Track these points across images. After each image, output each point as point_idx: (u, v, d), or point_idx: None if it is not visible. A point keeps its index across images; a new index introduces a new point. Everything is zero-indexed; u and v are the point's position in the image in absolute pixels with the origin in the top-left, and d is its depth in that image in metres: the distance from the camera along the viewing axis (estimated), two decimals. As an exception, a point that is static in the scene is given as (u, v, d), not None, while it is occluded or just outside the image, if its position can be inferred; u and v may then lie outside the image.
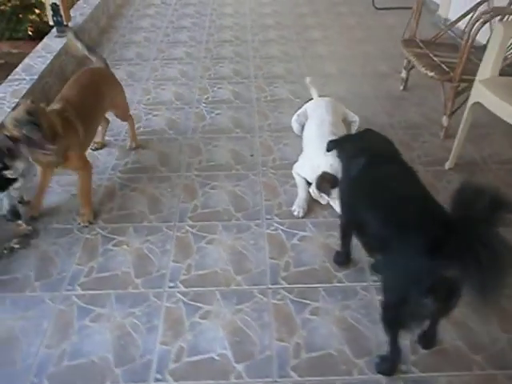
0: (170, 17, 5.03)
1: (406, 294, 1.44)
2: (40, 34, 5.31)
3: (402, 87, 3.61)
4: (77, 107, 2.33)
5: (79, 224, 2.37)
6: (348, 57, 4.15)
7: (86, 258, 2.20)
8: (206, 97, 3.51)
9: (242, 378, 1.72)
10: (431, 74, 2.92)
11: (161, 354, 1.79)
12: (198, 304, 1.98)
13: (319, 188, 2.36)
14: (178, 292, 2.03)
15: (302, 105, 3.04)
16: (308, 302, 1.99)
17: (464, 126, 2.64)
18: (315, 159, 2.46)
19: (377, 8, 5.21)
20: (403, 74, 3.57)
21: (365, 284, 2.07)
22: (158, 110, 3.34)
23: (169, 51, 4.24)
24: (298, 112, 2.92)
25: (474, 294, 1.33)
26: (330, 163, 2.35)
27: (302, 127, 2.84)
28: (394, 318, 1.55)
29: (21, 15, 5.40)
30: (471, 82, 2.69)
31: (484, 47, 3.06)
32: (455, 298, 1.46)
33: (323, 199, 2.43)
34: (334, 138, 2.47)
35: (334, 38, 4.54)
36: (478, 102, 2.51)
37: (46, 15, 5.46)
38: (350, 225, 1.95)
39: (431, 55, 3.11)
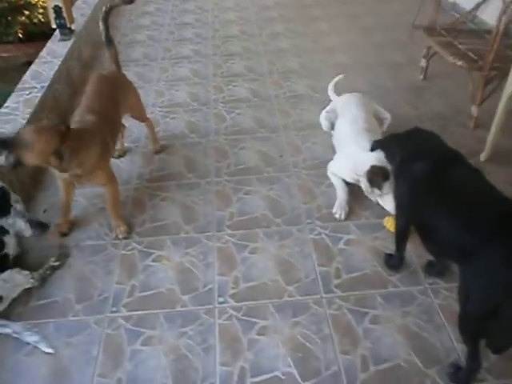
0: (171, 13, 4.87)
1: (495, 305, 1.37)
2: (31, 36, 5.16)
3: (421, 77, 3.52)
4: (103, 119, 2.21)
5: (117, 237, 2.26)
6: (360, 47, 4.04)
7: (126, 275, 2.09)
8: (222, 96, 3.39)
9: (311, 397, 1.65)
10: (460, 63, 2.84)
11: (222, 377, 1.70)
12: (253, 319, 1.89)
13: (371, 182, 2.24)
14: (230, 307, 1.94)
15: (324, 100, 2.95)
16: (366, 310, 1.91)
17: (500, 116, 2.57)
18: (354, 157, 2.35)
19: (380, -5, 5.12)
20: (423, 63, 3.48)
21: (421, 287, 2.00)
22: (175, 112, 3.22)
23: (176, 50, 4.09)
24: (327, 108, 2.82)
25: None
26: (373, 156, 2.22)
27: (332, 124, 2.75)
28: (479, 328, 1.47)
29: (10, 18, 5.20)
30: (502, 70, 2.62)
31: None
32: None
33: (374, 195, 2.31)
34: (368, 135, 2.40)
35: (343, 28, 4.42)
36: (517, 91, 2.43)
37: (36, 16, 5.32)
38: (409, 229, 1.86)
39: (456, 43, 3.03)
